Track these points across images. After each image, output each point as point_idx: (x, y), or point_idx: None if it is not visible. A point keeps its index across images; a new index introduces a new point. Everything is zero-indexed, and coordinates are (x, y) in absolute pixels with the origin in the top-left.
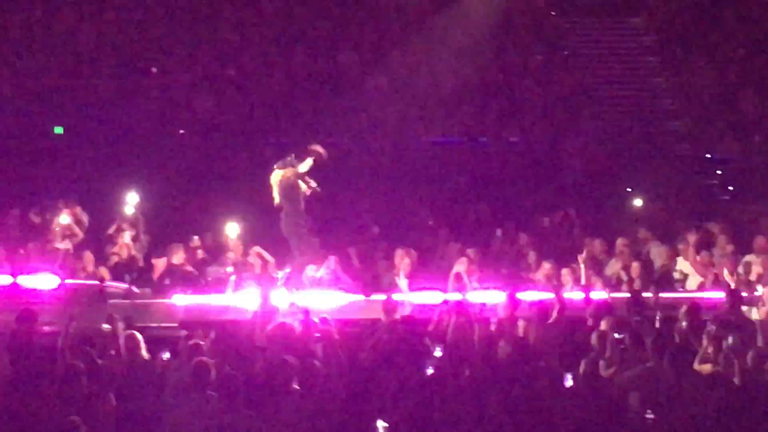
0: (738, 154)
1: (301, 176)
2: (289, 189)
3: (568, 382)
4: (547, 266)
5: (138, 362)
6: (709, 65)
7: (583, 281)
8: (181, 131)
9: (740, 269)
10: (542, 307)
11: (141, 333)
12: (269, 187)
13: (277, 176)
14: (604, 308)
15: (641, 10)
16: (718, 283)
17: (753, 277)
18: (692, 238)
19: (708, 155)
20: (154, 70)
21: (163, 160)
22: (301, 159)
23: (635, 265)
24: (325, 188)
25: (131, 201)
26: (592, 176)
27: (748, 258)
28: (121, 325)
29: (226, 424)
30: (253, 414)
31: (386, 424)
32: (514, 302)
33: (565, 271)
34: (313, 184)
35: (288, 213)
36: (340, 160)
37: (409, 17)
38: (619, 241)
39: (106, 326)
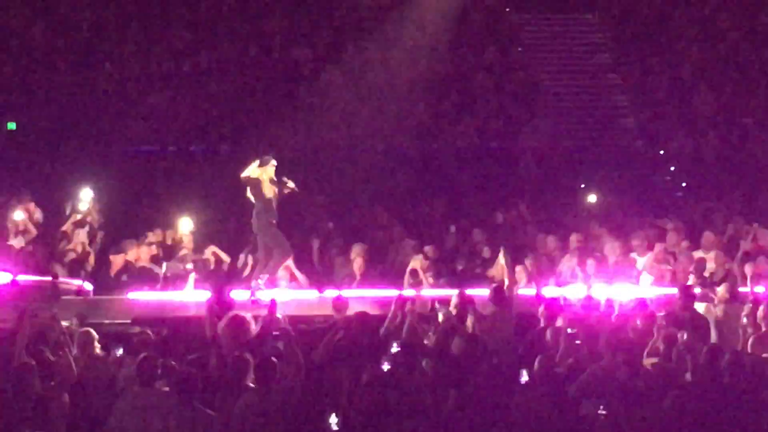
0: (691, 151)
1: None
2: (254, 188)
3: (524, 378)
4: (501, 262)
5: (91, 359)
6: (662, 62)
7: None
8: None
9: (693, 266)
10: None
11: (95, 330)
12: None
13: (254, 174)
14: (558, 305)
15: (594, 7)
16: (672, 279)
17: (707, 273)
18: (646, 234)
19: (661, 152)
20: (107, 65)
21: (117, 156)
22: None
23: (590, 262)
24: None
25: (85, 197)
26: (546, 172)
27: (699, 254)
28: (74, 322)
29: (177, 421)
30: (206, 410)
31: (337, 420)
32: (464, 298)
33: (518, 268)
34: (291, 184)
35: (257, 211)
36: (294, 155)
37: (363, 13)
38: (573, 237)
39: (64, 323)
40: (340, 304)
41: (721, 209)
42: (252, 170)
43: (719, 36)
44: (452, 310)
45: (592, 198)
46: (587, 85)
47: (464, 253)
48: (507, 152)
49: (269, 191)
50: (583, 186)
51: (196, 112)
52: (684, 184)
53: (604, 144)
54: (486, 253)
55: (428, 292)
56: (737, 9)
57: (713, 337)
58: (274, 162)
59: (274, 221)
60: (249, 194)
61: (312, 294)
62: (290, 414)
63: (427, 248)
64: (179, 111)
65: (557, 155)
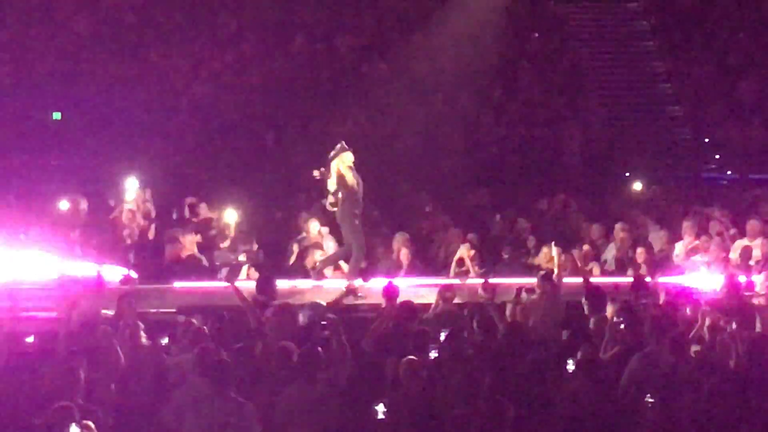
0: (737, 139)
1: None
2: (345, 179)
3: (570, 366)
4: (546, 251)
5: (138, 348)
6: (708, 49)
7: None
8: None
9: (737, 254)
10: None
11: (140, 319)
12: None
13: (335, 165)
14: (604, 293)
15: None
16: (717, 267)
17: (752, 261)
18: (690, 222)
19: (707, 140)
20: (152, 56)
21: (162, 145)
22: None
23: (640, 250)
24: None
25: (131, 187)
26: (591, 161)
27: (745, 242)
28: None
29: (222, 412)
30: (251, 401)
31: (385, 409)
32: (487, 287)
33: (564, 257)
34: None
35: (345, 203)
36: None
37: (408, 2)
38: (618, 226)
39: (105, 312)
40: (390, 292)
41: (767, 197)
42: (334, 168)
43: (764, 22)
44: (479, 298)
45: (637, 186)
46: (632, 73)
47: (510, 242)
48: (552, 141)
49: (350, 180)
50: (628, 174)
51: (240, 101)
52: (729, 172)
53: (650, 132)
54: (531, 242)
55: (473, 280)
56: None
57: (758, 326)
58: (347, 148)
59: (357, 212)
60: (331, 185)
61: (357, 283)
62: (336, 404)
63: (470, 236)
64: (223, 102)
65: (602, 143)
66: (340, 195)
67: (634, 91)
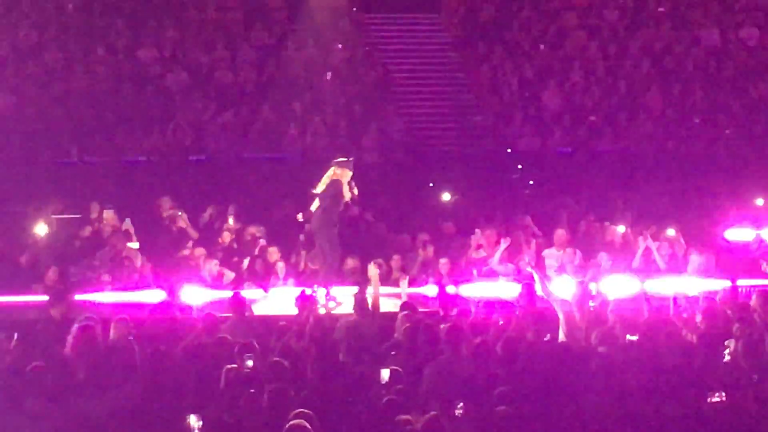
0: (538, 149)
1: (349, 183)
2: (337, 189)
3: (384, 377)
4: (350, 262)
5: None
6: (509, 60)
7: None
8: None
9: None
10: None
11: None
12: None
13: (334, 174)
14: (411, 303)
15: (441, 7)
16: (517, 276)
17: (550, 271)
18: (488, 232)
19: (509, 150)
20: None
21: None
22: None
23: (443, 261)
24: None
25: None
26: (394, 171)
27: (552, 251)
28: None
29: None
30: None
31: (200, 421)
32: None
33: (370, 266)
34: (355, 190)
35: (326, 210)
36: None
37: (210, 15)
38: (421, 237)
39: None
40: (304, 300)
41: (568, 206)
42: (330, 173)
43: (564, 34)
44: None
45: (446, 196)
46: (436, 84)
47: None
48: (354, 150)
49: (343, 194)
50: (432, 184)
51: (42, 112)
52: (531, 182)
53: (454, 142)
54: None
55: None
56: (581, 8)
57: (561, 334)
58: (351, 169)
59: (335, 224)
60: (319, 189)
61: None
62: (129, 417)
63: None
64: (25, 112)
65: (405, 154)
66: (321, 204)
67: (438, 102)
